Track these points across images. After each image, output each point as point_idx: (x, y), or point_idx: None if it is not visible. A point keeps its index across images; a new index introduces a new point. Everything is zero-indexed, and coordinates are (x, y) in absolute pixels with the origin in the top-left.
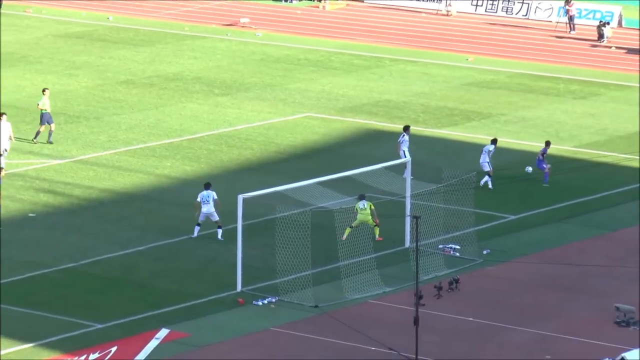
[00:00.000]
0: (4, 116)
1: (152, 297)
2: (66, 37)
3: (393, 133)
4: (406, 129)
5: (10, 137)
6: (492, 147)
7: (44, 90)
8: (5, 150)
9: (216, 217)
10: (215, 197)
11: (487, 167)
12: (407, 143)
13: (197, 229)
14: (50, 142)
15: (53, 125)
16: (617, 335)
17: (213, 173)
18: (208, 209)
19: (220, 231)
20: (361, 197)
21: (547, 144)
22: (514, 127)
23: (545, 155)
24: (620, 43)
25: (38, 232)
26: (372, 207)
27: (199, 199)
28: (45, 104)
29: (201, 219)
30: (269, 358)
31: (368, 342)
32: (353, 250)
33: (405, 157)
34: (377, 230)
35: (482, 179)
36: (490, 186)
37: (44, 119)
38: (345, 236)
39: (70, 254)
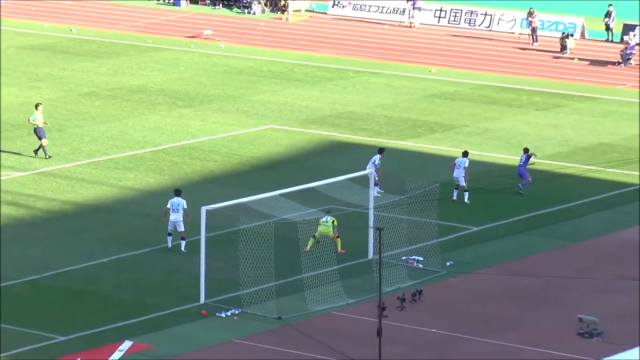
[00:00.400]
0: None
1: (116, 309)
2: (29, 49)
3: (356, 145)
4: (381, 151)
5: None
6: (466, 161)
7: (37, 106)
8: None
9: (182, 228)
10: (185, 206)
11: (463, 182)
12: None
13: (169, 239)
14: (48, 157)
15: (45, 140)
16: (580, 346)
17: (176, 185)
18: (176, 217)
19: (183, 243)
20: (327, 212)
21: (526, 150)
22: (476, 138)
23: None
24: (583, 54)
25: (0, 245)
26: (335, 222)
27: (168, 206)
28: (37, 118)
29: (170, 227)
30: None
31: (331, 353)
32: (316, 262)
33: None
34: (339, 243)
35: (453, 193)
36: (467, 200)
37: (39, 133)
38: (308, 247)
39: (33, 266)
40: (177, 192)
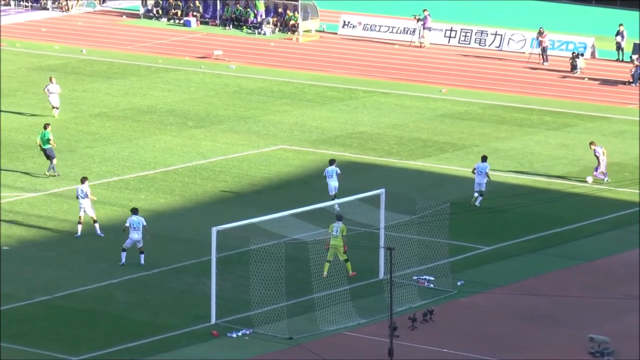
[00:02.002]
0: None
1: (127, 329)
2: (40, 70)
3: (367, 165)
4: (332, 162)
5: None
6: (487, 166)
7: (45, 126)
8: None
9: (142, 244)
10: (144, 223)
11: (484, 188)
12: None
13: (124, 255)
14: (57, 174)
15: (54, 160)
16: None
17: (187, 205)
18: (138, 235)
19: (142, 256)
20: (338, 219)
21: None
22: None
23: None
24: (593, 74)
25: (12, 266)
26: (345, 231)
27: (127, 224)
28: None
29: (127, 244)
30: None
31: None
32: (327, 282)
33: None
34: (349, 266)
35: (477, 199)
36: (478, 203)
37: (49, 153)
38: (325, 272)
39: (45, 287)
40: (135, 211)
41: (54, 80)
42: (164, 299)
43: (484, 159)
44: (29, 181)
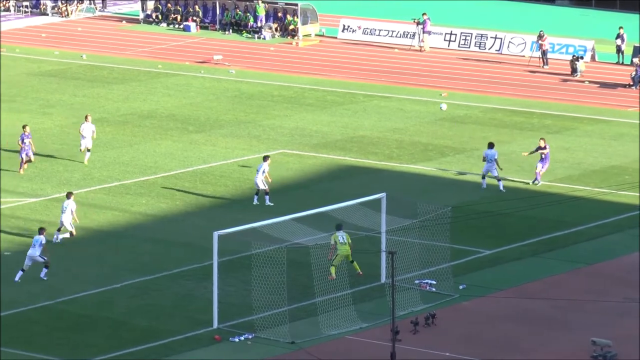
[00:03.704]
0: (89, 117)
1: (128, 334)
2: (40, 75)
3: (367, 169)
4: (266, 158)
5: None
6: (495, 152)
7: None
8: (88, 150)
9: (43, 259)
10: (44, 242)
11: (495, 173)
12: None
13: (20, 274)
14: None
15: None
16: None
17: (188, 210)
18: (32, 251)
19: (45, 270)
20: (339, 228)
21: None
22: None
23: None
24: (593, 77)
25: (13, 271)
26: (349, 239)
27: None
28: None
29: (27, 263)
30: None
31: None
32: (329, 286)
33: (263, 186)
34: (357, 266)
35: (482, 182)
36: (502, 188)
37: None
38: (333, 275)
39: (46, 292)
40: (41, 230)
41: (89, 118)
42: (165, 304)
43: (491, 145)
44: (30, 187)
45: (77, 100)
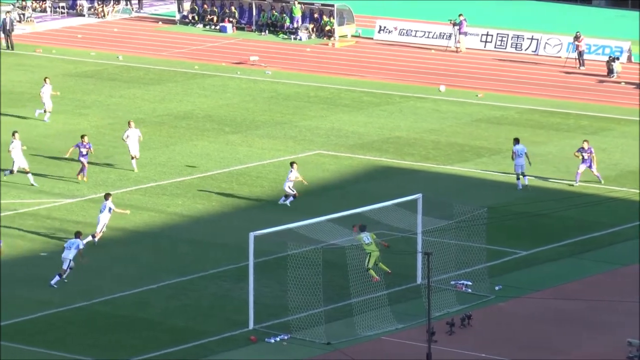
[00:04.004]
0: (132, 123)
1: (165, 335)
2: (76, 76)
3: (403, 170)
4: (292, 164)
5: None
6: (524, 147)
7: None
8: (135, 158)
9: (67, 265)
10: (81, 246)
11: (524, 169)
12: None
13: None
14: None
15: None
16: None
17: (224, 211)
18: (66, 254)
19: (57, 278)
20: (363, 229)
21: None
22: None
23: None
24: (629, 78)
25: (50, 271)
26: (374, 236)
27: (65, 244)
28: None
29: (65, 266)
30: None
31: None
32: (365, 287)
33: (291, 191)
34: (383, 266)
35: (518, 183)
36: (527, 182)
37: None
38: (376, 276)
39: (82, 293)
40: (77, 234)
41: (132, 124)
42: (201, 305)
43: (517, 141)
44: (66, 187)
45: (113, 101)
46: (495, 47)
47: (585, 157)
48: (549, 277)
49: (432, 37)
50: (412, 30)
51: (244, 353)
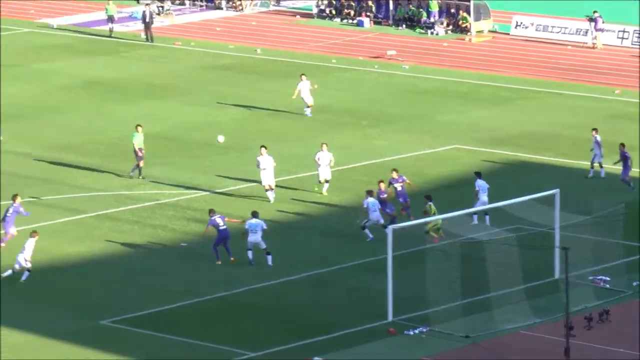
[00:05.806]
0: (324, 146)
1: (304, 326)
2: (215, 68)
3: (541, 165)
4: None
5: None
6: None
7: (137, 127)
8: (327, 181)
9: (264, 245)
10: (264, 226)
11: (600, 158)
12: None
13: (249, 253)
14: (142, 177)
15: (141, 162)
16: None
17: (357, 203)
18: (255, 237)
19: (269, 257)
20: (430, 198)
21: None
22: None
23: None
24: None
25: (190, 262)
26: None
27: (247, 227)
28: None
29: (249, 246)
30: None
31: None
32: (502, 281)
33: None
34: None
35: (601, 171)
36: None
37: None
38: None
39: (222, 283)
40: (255, 214)
41: (325, 147)
42: (340, 297)
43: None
44: (207, 179)
45: (251, 94)
46: (632, 44)
47: None
48: None
49: (569, 33)
50: (548, 26)
51: (383, 345)
